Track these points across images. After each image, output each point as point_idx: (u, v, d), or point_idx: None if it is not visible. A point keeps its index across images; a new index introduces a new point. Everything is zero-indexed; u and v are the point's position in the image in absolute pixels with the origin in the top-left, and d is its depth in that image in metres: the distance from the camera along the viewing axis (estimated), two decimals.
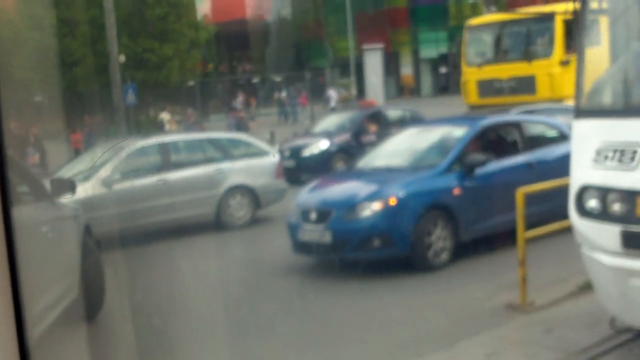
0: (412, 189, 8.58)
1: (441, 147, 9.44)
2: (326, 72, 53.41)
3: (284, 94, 40.38)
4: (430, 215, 8.52)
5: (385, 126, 17.95)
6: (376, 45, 39.25)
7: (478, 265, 8.62)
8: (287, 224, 9.25)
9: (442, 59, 52.46)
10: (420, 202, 8.51)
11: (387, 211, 8.36)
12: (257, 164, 12.66)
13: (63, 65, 36.65)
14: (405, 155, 9.65)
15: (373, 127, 18.04)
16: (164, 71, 32.54)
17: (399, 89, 50.47)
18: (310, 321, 7.29)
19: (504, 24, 18.26)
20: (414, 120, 18.76)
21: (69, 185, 7.34)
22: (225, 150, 12.69)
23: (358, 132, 17.74)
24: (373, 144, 15.85)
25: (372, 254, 8.45)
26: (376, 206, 8.35)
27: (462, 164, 8.90)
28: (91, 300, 7.00)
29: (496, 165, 9.21)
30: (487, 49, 18.57)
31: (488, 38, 18.52)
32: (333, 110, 42.23)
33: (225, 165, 12.29)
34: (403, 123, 18.11)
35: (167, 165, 11.94)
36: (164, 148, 12.17)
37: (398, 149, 9.99)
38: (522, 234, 6.80)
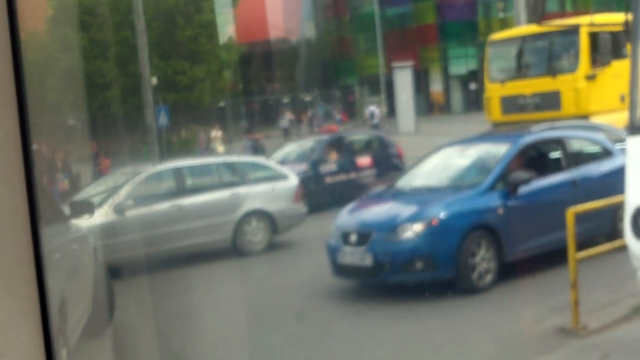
0: (454, 209, 8.37)
1: (482, 166, 9.22)
2: (355, 90, 53.40)
3: (319, 112, 40.40)
4: (474, 236, 8.30)
5: (348, 154, 16.98)
6: (406, 63, 39.03)
7: (524, 287, 8.37)
8: (326, 246, 9.06)
9: (472, 75, 52.18)
10: (464, 222, 8.29)
11: (430, 232, 8.15)
12: (274, 188, 12.37)
13: (94, 87, 36.95)
14: (445, 175, 9.45)
15: (333, 156, 16.69)
16: (195, 92, 32.63)
17: (429, 106, 50.27)
18: (352, 347, 7.10)
19: (527, 39, 17.92)
20: (382, 146, 17.84)
21: (88, 208, 7.40)
22: (242, 174, 12.43)
23: (317, 161, 16.25)
24: (333, 174, 15.69)
25: (415, 277, 8.23)
26: (418, 227, 8.15)
27: (505, 183, 8.67)
28: (102, 315, 7.15)
29: (540, 183, 8.96)
30: (510, 65, 18.25)
31: (511, 53, 18.19)
32: (376, 127, 42.27)
33: (242, 189, 12.01)
34: (368, 150, 17.45)
35: (181, 190, 11.69)
36: (178, 173, 11.94)
37: (436, 168, 9.78)
38: (574, 255, 6.57)
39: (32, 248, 1.30)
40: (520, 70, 17.69)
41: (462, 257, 8.16)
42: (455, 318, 7.57)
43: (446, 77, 52.07)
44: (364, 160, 17.03)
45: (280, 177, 12.73)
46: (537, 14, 17.05)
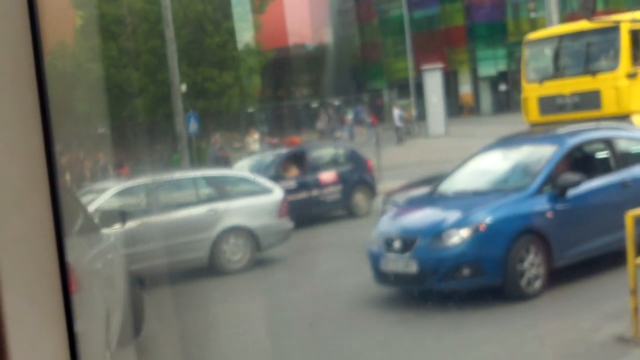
0: (501, 214, 8.11)
1: (527, 168, 8.95)
2: (384, 94, 53.13)
3: (349, 116, 40.39)
4: (522, 241, 8.03)
5: (311, 170, 15.41)
6: (435, 65, 38.73)
7: (575, 294, 8.08)
8: (367, 253, 8.84)
9: (502, 76, 51.74)
10: (511, 227, 8.03)
11: (477, 238, 7.90)
12: (256, 202, 11.69)
13: (124, 96, 37.05)
14: (488, 178, 9.19)
15: (293, 171, 15.23)
16: (224, 99, 32.58)
17: (458, 108, 49.90)
18: (400, 357, 6.87)
19: (564, 37, 17.59)
20: (350, 161, 16.23)
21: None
22: (222, 189, 11.77)
23: (273, 177, 14.34)
24: (291, 192, 13.59)
25: (461, 284, 7.99)
26: (464, 233, 7.90)
27: (554, 186, 8.39)
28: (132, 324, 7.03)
29: (589, 185, 8.66)
30: (547, 64, 17.93)
31: (548, 52, 17.89)
32: (399, 130, 42.03)
33: (220, 205, 11.28)
34: (334, 165, 15.92)
35: (154, 206, 11.02)
36: (151, 188, 11.32)
37: (479, 171, 9.52)
38: (633, 261, 6.28)
39: (57, 257, 1.31)
40: (559, 70, 17.36)
41: (510, 263, 7.89)
42: (505, 327, 7.31)
43: (475, 79, 51.64)
44: (328, 176, 15.40)
45: (264, 190, 12.04)
46: (588, 10, 16.70)
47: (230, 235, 11.08)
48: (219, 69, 32.20)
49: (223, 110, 33.35)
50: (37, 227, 1.28)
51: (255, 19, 37.45)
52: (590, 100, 16.21)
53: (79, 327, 3.21)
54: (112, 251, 6.96)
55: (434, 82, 38.00)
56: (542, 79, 17.38)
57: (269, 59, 38.82)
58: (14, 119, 1.27)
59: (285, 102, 47.58)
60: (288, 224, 11.84)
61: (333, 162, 16.23)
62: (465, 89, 51.17)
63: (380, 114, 48.76)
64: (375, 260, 8.56)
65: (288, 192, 13.31)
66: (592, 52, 16.66)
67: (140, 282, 8.74)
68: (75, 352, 1.36)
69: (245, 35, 35.88)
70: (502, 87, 51.20)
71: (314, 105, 47.07)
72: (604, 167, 9.19)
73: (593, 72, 16.15)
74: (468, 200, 8.68)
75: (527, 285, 7.99)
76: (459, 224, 8.00)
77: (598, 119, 13.28)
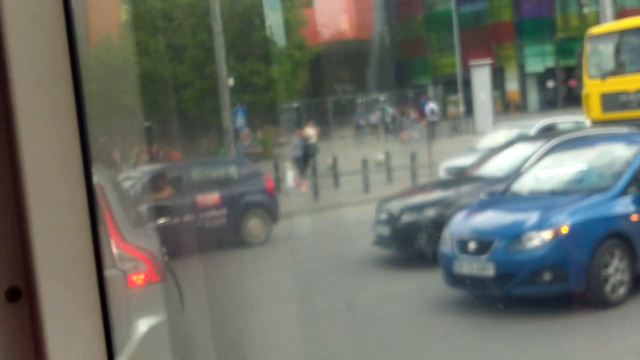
0: (584, 216, 7.69)
1: (607, 168, 8.50)
2: (428, 90, 52.52)
3: (396, 111, 40.10)
4: (607, 245, 7.60)
5: (189, 190, 13.16)
6: (484, 61, 38.09)
7: None
8: (440, 254, 8.48)
9: (549, 73, 50.83)
10: (595, 230, 7.60)
11: (559, 241, 7.49)
12: None
13: (170, 90, 37.05)
14: (566, 178, 8.76)
15: (166, 192, 12.96)
16: (270, 93, 32.36)
17: (504, 105, 49.13)
18: None
19: (629, 32, 16.97)
20: (242, 180, 13.95)
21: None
22: None
23: (138, 198, 12.39)
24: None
25: (541, 289, 7.58)
26: (546, 235, 7.49)
27: (639, 187, 7.94)
28: None
29: None
30: (611, 60, 17.32)
31: (612, 47, 17.25)
32: (433, 124, 41.52)
33: None
34: (219, 185, 13.59)
35: None
36: None
37: (553, 170, 9.09)
38: None
39: (92, 247, 1.35)
40: (622, 66, 16.76)
41: (594, 268, 7.47)
42: (594, 336, 6.90)
43: (522, 76, 50.79)
44: (208, 197, 13.12)
45: None
46: None
47: None
48: (265, 63, 31.99)
49: (269, 105, 33.15)
50: (72, 217, 1.32)
51: (301, 13, 37.17)
52: None
53: (165, 317, 3.45)
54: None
55: (482, 78, 37.35)
56: (605, 74, 16.81)
57: (314, 54, 38.52)
58: (50, 112, 1.30)
59: (329, 97, 47.27)
60: None
61: (220, 182, 13.88)
62: (512, 85, 50.34)
63: (423, 110, 48.20)
64: (447, 261, 8.20)
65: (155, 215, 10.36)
66: None
67: None
68: (110, 339, 1.41)
69: (292, 29, 35.61)
70: (550, 84, 50.30)
71: (359, 100, 46.66)
72: None
73: None
74: (546, 200, 8.27)
75: (611, 292, 7.56)
76: (539, 226, 7.59)
77: None
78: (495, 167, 11.38)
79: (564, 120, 19.32)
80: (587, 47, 17.66)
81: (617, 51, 17.04)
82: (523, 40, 49.88)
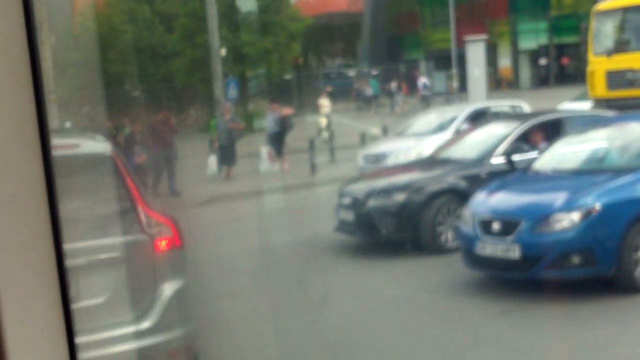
0: (616, 197, 7.30)
1: (630, 148, 8.11)
2: (420, 65, 52.02)
3: (394, 85, 39.79)
4: (638, 227, 7.22)
5: None
6: (479, 37, 37.57)
7: None
8: (459, 234, 8.09)
9: (542, 50, 50.42)
10: (626, 212, 7.22)
11: (589, 223, 7.09)
12: None
13: (159, 59, 36.28)
14: (595, 157, 8.36)
15: None
16: (262, 65, 31.74)
17: (497, 81, 48.72)
18: (506, 351, 6.14)
19: (636, 8, 16.50)
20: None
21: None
22: None
23: None
24: None
25: (571, 273, 7.20)
26: (575, 217, 7.09)
27: None
28: None
29: None
30: (617, 36, 16.86)
31: (618, 24, 16.79)
32: (425, 98, 41.08)
33: None
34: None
35: None
36: None
37: (582, 148, 8.70)
38: None
39: (50, 221, 1.33)
40: (629, 43, 16.33)
41: (624, 251, 7.10)
42: (624, 322, 6.53)
43: (515, 52, 50.37)
44: None
45: None
46: None
47: None
48: (259, 34, 31.34)
49: (261, 77, 32.57)
50: (33, 224, 1.30)
51: None
52: None
53: (186, 281, 4.41)
54: None
55: (476, 53, 36.84)
56: (611, 52, 16.37)
57: (308, 26, 37.85)
58: (7, 106, 1.25)
59: (321, 70, 46.64)
60: None
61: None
62: (504, 62, 49.92)
63: (415, 85, 47.72)
64: (468, 242, 7.80)
65: None
66: None
67: None
68: (69, 318, 1.37)
69: (285, 1, 34.95)
70: (543, 61, 49.93)
71: (351, 74, 46.09)
72: None
73: None
74: (573, 180, 7.87)
75: None
76: (568, 207, 7.19)
77: None
78: (467, 148, 10.82)
79: (499, 104, 18.61)
80: (593, 23, 17.19)
81: (624, 28, 16.60)
82: (517, 17, 49.41)
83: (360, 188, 10.40)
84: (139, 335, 4.70)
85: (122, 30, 37.44)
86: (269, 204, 15.58)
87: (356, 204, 10.01)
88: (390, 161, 14.65)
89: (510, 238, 7.31)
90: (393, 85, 40.78)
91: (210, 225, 12.52)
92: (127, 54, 38.11)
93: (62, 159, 4.81)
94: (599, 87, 16.42)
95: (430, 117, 17.52)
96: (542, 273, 7.23)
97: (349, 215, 10.12)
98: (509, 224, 7.39)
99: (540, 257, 7.17)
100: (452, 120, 15.99)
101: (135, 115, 25.27)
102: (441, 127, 15.88)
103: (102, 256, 4.68)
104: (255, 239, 11.36)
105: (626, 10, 16.63)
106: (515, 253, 7.27)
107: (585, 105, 22.32)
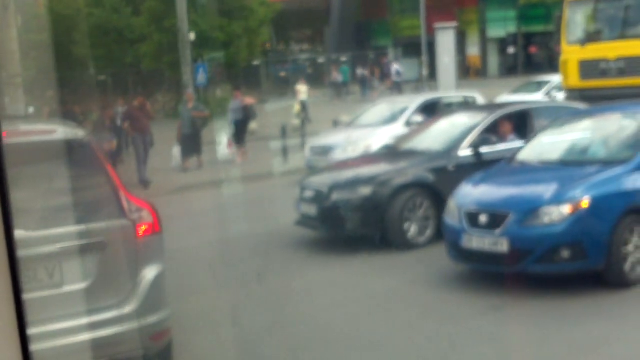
0: (606, 190, 7.15)
1: (626, 139, 7.98)
2: (389, 52, 51.85)
3: (365, 71, 39.71)
4: (628, 221, 7.09)
5: None
6: (449, 24, 37.47)
7: None
8: (444, 226, 7.90)
9: (511, 38, 50.56)
10: (617, 205, 7.08)
11: (579, 216, 6.94)
12: None
13: (126, 42, 35.61)
14: (581, 148, 8.22)
15: None
16: (231, 49, 31.30)
17: (465, 69, 48.77)
18: (495, 347, 5.98)
19: None
20: None
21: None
22: None
23: None
24: None
25: (560, 267, 7.05)
26: (565, 210, 6.94)
27: None
28: None
29: None
30: (591, 25, 16.73)
31: (593, 12, 16.64)
32: (397, 85, 40.98)
33: None
34: None
35: None
36: None
37: (569, 139, 8.54)
38: None
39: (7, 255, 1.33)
40: (604, 32, 16.22)
41: (614, 245, 6.97)
42: (614, 316, 6.39)
43: (483, 41, 50.46)
44: None
45: None
46: None
47: None
48: (228, 18, 30.88)
49: (230, 62, 32.10)
50: None
51: None
52: (638, 65, 15.17)
53: (164, 266, 4.61)
54: None
55: (446, 41, 36.70)
56: (585, 41, 16.24)
57: (277, 11, 37.44)
58: None
59: (290, 56, 46.24)
60: None
61: None
62: (473, 50, 50.00)
63: (383, 72, 47.56)
64: (454, 235, 7.62)
65: None
66: None
67: None
68: (21, 310, 1.35)
69: None
70: (511, 50, 50.08)
71: (320, 60, 45.74)
72: None
73: None
74: (561, 172, 7.71)
75: (630, 271, 7.09)
76: (558, 200, 7.03)
77: None
78: (432, 140, 10.45)
79: (451, 95, 18.39)
80: (567, 12, 17.02)
81: (598, 17, 16.46)
82: (486, 5, 49.48)
83: (323, 181, 9.98)
84: (123, 319, 4.80)
85: (88, 13, 36.67)
86: (228, 195, 15.26)
87: (319, 198, 9.63)
88: (338, 153, 14.17)
89: (498, 231, 7.14)
90: (364, 72, 40.63)
91: (168, 217, 12.16)
92: (93, 37, 37.36)
93: (41, 144, 4.91)
94: (572, 76, 16.29)
95: (381, 108, 16.97)
96: (531, 267, 7.07)
97: (311, 209, 9.74)
98: (496, 216, 7.22)
99: (530, 250, 7.01)
100: (403, 111, 15.54)
101: (102, 100, 24.73)
102: (392, 118, 15.45)
103: (86, 241, 4.73)
104: (213, 232, 11.08)
105: None
106: (503, 246, 7.10)
107: (526, 98, 22.14)
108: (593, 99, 13.94)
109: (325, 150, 14.81)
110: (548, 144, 8.51)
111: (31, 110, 24.07)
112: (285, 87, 38.58)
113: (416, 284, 7.80)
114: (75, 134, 5.35)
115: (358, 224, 9.33)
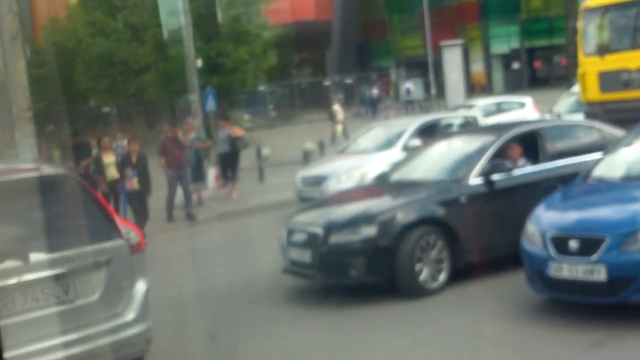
0: None
1: None
2: (391, 72, 51.47)
3: (375, 91, 39.50)
4: None
5: None
6: (456, 42, 37.13)
7: None
8: (523, 253, 7.17)
9: (514, 54, 50.26)
10: None
11: None
12: None
13: (130, 72, 35.05)
14: None
15: None
16: (238, 75, 30.71)
17: (469, 86, 48.41)
18: None
19: (629, 4, 15.60)
20: None
21: None
22: None
23: None
24: None
25: None
26: None
27: None
28: None
29: None
30: (610, 35, 16.01)
31: (611, 21, 15.94)
32: (410, 103, 40.54)
33: None
34: None
35: None
36: None
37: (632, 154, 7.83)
38: None
39: None
40: (624, 41, 15.46)
41: None
42: None
43: (487, 57, 50.11)
44: None
45: None
46: None
47: None
48: (234, 43, 30.30)
49: (237, 87, 31.51)
50: None
51: None
52: None
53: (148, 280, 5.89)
54: None
55: (453, 58, 36.45)
56: (604, 51, 15.50)
57: (281, 35, 36.99)
58: None
59: (295, 80, 45.71)
60: None
61: None
62: (477, 67, 49.63)
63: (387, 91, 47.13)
64: (537, 263, 6.88)
65: None
66: None
67: None
68: None
69: (257, 9, 34.02)
70: (515, 65, 49.71)
71: (326, 83, 45.22)
72: None
73: None
74: None
75: None
76: None
77: None
78: (436, 167, 9.32)
79: (451, 115, 17.30)
80: (581, 21, 16.26)
81: (618, 26, 15.77)
82: (488, 21, 49.19)
83: (315, 220, 8.62)
84: (125, 326, 5.59)
85: (91, 43, 36.14)
86: (213, 234, 14.26)
87: (314, 242, 8.29)
88: (332, 183, 12.99)
89: (593, 257, 6.42)
90: (375, 91, 40.29)
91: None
92: (96, 68, 36.83)
93: (27, 180, 5.60)
94: (592, 89, 15.49)
95: (376, 132, 15.58)
96: (633, 297, 6.34)
97: (304, 255, 8.42)
98: (589, 241, 6.49)
99: (631, 278, 6.28)
100: (399, 135, 14.22)
101: (105, 132, 24.00)
102: (389, 143, 14.17)
103: (94, 260, 5.48)
104: (185, 279, 10.26)
105: (618, 6, 15.76)
106: (600, 275, 6.37)
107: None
108: (615, 112, 13.27)
109: (318, 181, 13.56)
110: (630, 159, 7.79)
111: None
112: (291, 111, 38.03)
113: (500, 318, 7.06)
114: (58, 170, 6.33)
115: (363, 270, 8.09)
